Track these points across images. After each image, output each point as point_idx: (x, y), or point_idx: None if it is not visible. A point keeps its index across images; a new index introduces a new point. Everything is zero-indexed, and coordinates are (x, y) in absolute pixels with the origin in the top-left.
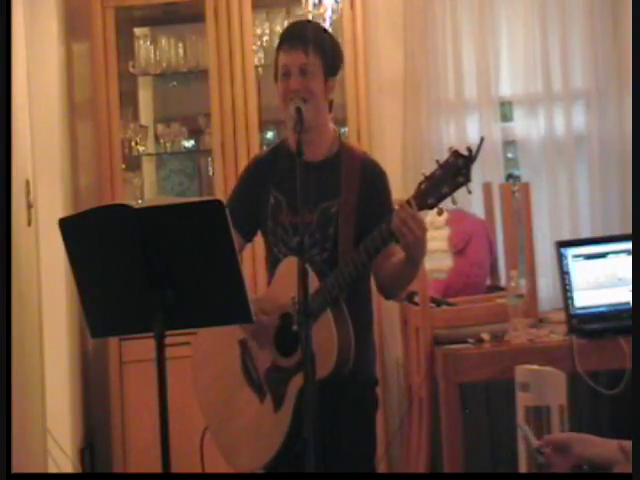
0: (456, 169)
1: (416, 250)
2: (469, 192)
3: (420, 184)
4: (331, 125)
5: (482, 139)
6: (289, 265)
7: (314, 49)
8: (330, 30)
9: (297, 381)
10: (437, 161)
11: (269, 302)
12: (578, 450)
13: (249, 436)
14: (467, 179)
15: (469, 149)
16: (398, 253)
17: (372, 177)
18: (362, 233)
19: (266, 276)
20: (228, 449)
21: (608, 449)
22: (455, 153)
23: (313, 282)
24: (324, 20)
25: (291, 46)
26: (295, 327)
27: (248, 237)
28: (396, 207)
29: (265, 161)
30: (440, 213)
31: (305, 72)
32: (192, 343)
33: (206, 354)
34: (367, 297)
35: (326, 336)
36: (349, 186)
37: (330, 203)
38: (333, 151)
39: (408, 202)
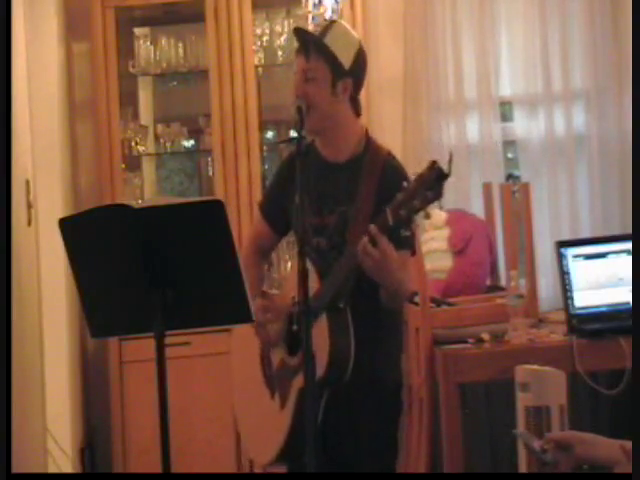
0: (428, 183)
1: (377, 277)
2: (440, 208)
3: (396, 196)
4: (358, 124)
5: (451, 155)
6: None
7: (316, 54)
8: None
9: (298, 381)
10: (416, 173)
11: (280, 300)
12: (580, 450)
13: (260, 430)
14: (438, 195)
15: (436, 165)
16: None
17: (392, 181)
18: None
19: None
20: (245, 440)
21: (610, 449)
22: (430, 165)
23: (315, 284)
24: (324, 20)
25: (297, 51)
26: (295, 327)
27: (281, 232)
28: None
29: (293, 160)
30: (427, 217)
31: (307, 78)
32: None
33: (237, 344)
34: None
35: (318, 340)
36: (367, 190)
37: (348, 206)
38: (359, 151)
39: (384, 212)
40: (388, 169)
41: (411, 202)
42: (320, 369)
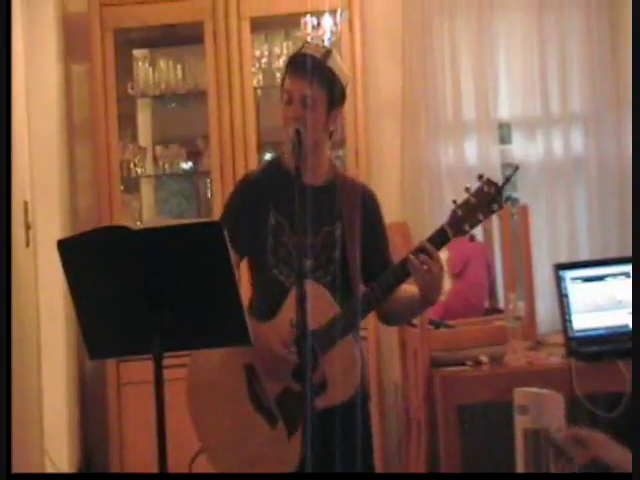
0: (490, 197)
1: (432, 291)
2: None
3: (455, 211)
4: (327, 152)
5: (517, 167)
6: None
7: (319, 81)
8: (337, 56)
9: (314, 406)
10: (467, 189)
11: (284, 328)
12: (597, 451)
13: (259, 463)
14: (500, 206)
15: (507, 178)
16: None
17: (371, 205)
18: (364, 259)
19: (250, 295)
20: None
21: (624, 456)
22: (488, 181)
23: (333, 307)
24: (323, 42)
25: (297, 74)
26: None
27: (242, 254)
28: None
29: (260, 180)
30: (472, 240)
31: (306, 103)
32: (189, 368)
33: (206, 379)
34: None
35: (349, 360)
36: (351, 211)
37: (333, 227)
38: (330, 177)
39: (442, 229)
40: (365, 194)
41: (475, 215)
42: (352, 386)
